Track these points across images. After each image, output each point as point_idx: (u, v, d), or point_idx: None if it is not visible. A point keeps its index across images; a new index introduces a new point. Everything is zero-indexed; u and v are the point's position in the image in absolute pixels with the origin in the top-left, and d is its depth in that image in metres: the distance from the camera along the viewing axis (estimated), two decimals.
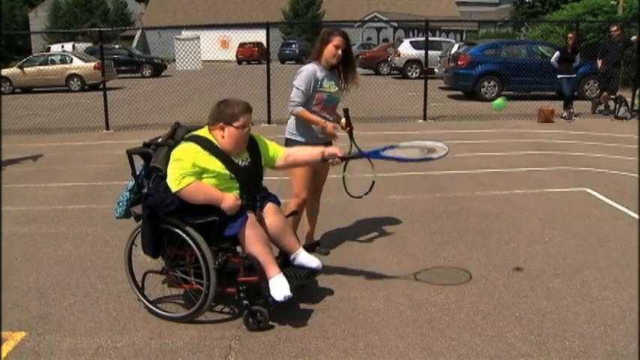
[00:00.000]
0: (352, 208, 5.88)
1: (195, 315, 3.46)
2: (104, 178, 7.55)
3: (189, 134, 3.50)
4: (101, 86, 20.36)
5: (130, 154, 3.54)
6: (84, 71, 22.60)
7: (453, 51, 18.04)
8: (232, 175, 3.40)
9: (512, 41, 21.08)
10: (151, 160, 3.48)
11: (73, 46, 32.80)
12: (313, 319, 3.57)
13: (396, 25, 41.66)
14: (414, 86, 17.53)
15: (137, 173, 3.59)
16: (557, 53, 12.50)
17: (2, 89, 23.13)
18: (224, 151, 3.42)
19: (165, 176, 3.36)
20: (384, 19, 42.32)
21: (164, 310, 3.61)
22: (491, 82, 15.62)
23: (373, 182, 4.16)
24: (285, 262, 3.62)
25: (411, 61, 23.76)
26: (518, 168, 7.64)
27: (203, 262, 3.30)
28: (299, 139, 4.30)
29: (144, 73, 29.66)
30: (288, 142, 4.32)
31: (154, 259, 3.53)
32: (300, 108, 4.21)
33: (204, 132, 3.50)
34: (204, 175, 3.33)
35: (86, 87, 22.40)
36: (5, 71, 23.85)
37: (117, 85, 22.89)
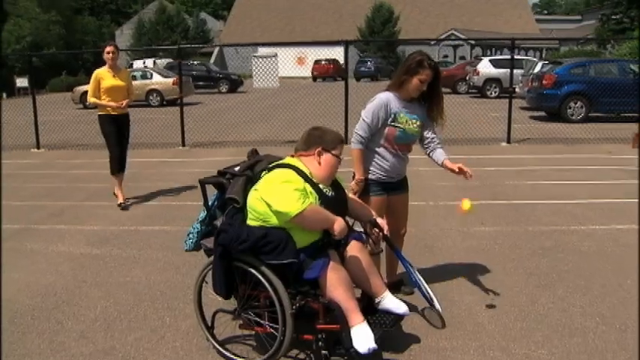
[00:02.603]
0: (436, 241, 5.49)
1: None
2: (177, 198, 7.43)
3: (279, 162, 3.23)
4: (179, 102, 20.94)
5: (203, 183, 3.28)
6: (163, 87, 23.12)
7: (536, 70, 17.26)
8: (322, 207, 3.09)
9: (602, 60, 19.98)
10: (225, 191, 3.21)
11: (154, 62, 33.78)
12: None
13: (473, 42, 40.72)
14: (494, 106, 16.88)
15: (210, 203, 3.33)
16: None
17: (87, 103, 23.96)
18: (315, 180, 3.13)
19: (241, 209, 3.08)
20: (462, 36, 41.48)
21: (234, 354, 3.31)
22: (578, 103, 14.74)
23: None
24: (368, 305, 3.26)
25: (491, 80, 22.96)
26: (617, 199, 6.96)
27: (279, 305, 2.98)
28: (368, 176, 3.85)
29: (221, 88, 30.16)
30: (355, 175, 3.89)
31: (226, 300, 3.24)
32: (358, 146, 3.78)
33: (291, 160, 3.21)
34: None
35: (165, 102, 22.87)
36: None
37: (194, 101, 23.30)
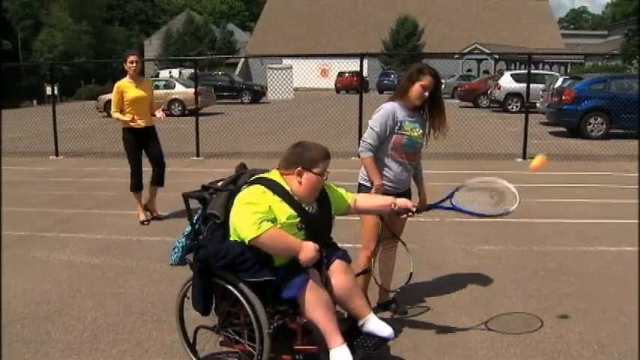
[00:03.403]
0: (437, 258, 5.39)
1: None
2: (182, 209, 7.39)
3: (257, 177, 3.16)
4: (200, 111, 21.13)
5: (187, 197, 3.25)
6: (185, 97, 23.27)
7: (556, 85, 17.04)
8: (302, 225, 3.04)
9: (623, 75, 19.64)
10: (208, 206, 3.18)
11: (180, 72, 34.14)
12: None
13: (497, 56, 40.42)
14: (514, 121, 16.66)
15: (195, 218, 3.30)
16: None
17: (111, 112, 24.33)
18: (295, 197, 3.07)
19: (222, 224, 3.05)
20: (486, 50, 41.20)
21: None
22: (599, 119, 14.49)
23: (410, 274, 3.63)
24: (352, 327, 3.19)
25: (512, 95, 22.75)
26: (629, 220, 6.74)
27: (256, 324, 2.92)
28: (370, 185, 3.86)
29: (243, 99, 30.40)
30: (360, 188, 3.93)
31: (204, 316, 3.20)
32: (369, 154, 3.79)
33: (274, 175, 3.16)
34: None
35: (186, 112, 23.02)
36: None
37: (216, 111, 23.45)
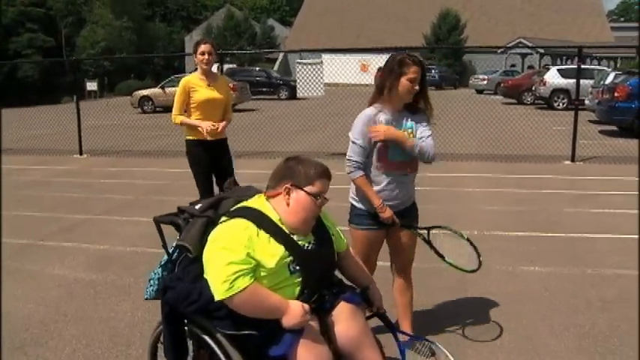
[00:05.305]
0: (473, 281, 4.65)
1: None
2: None
3: (239, 207, 2.53)
4: (235, 108, 20.74)
5: (158, 223, 2.66)
6: None
7: (608, 81, 15.95)
8: (295, 266, 2.40)
9: None
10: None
11: (218, 67, 33.89)
12: None
13: (542, 51, 38.89)
14: (561, 119, 15.73)
15: (172, 246, 2.72)
16: None
17: (145, 108, 24.24)
18: (286, 228, 2.44)
19: (197, 258, 2.45)
20: (530, 44, 39.73)
21: None
22: None
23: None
24: None
25: (558, 91, 21.64)
26: None
27: None
28: (360, 205, 3.28)
29: (280, 95, 30.03)
30: (352, 208, 3.35)
31: None
32: (359, 173, 3.18)
33: (257, 202, 2.54)
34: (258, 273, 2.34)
35: None
36: (148, 91, 25.03)
37: (251, 107, 23.04)
